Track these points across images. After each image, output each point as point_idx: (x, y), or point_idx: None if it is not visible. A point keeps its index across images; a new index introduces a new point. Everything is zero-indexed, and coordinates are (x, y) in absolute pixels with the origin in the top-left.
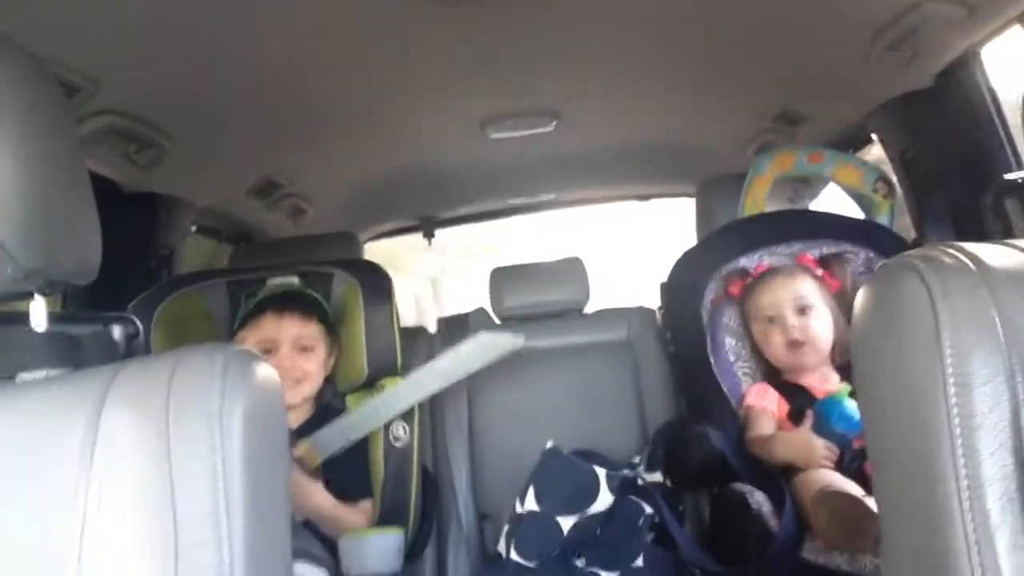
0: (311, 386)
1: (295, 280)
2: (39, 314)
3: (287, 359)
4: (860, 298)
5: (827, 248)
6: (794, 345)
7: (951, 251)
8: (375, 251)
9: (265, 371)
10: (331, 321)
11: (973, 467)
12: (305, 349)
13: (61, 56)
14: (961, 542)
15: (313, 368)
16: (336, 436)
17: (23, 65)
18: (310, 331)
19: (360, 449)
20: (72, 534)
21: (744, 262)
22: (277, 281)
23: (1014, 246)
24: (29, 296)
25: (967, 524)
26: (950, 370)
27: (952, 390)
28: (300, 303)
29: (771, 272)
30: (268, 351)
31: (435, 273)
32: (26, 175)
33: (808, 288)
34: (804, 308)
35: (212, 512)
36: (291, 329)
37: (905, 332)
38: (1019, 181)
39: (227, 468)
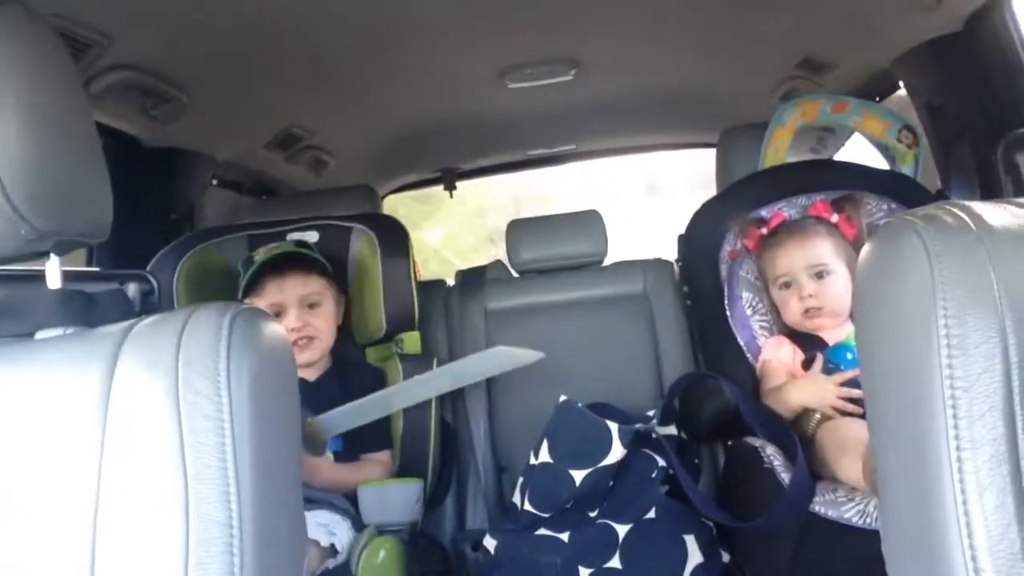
0: (325, 341)
1: (314, 235)
2: (54, 273)
3: (296, 320)
4: (863, 255)
5: (812, 196)
6: (811, 312)
7: (954, 210)
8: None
9: (273, 329)
10: (331, 272)
11: (964, 428)
12: (312, 305)
13: (72, 12)
14: (950, 501)
15: (324, 324)
16: (342, 419)
17: (26, 24)
18: (313, 287)
19: None
20: (87, 486)
21: (764, 213)
22: (295, 236)
23: (1021, 205)
24: (44, 256)
25: (955, 484)
26: (944, 331)
27: (945, 351)
28: (298, 262)
29: (785, 232)
30: (277, 314)
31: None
32: (34, 136)
33: (824, 250)
34: (820, 273)
35: (220, 468)
36: (295, 289)
37: (902, 291)
38: None
39: (235, 426)
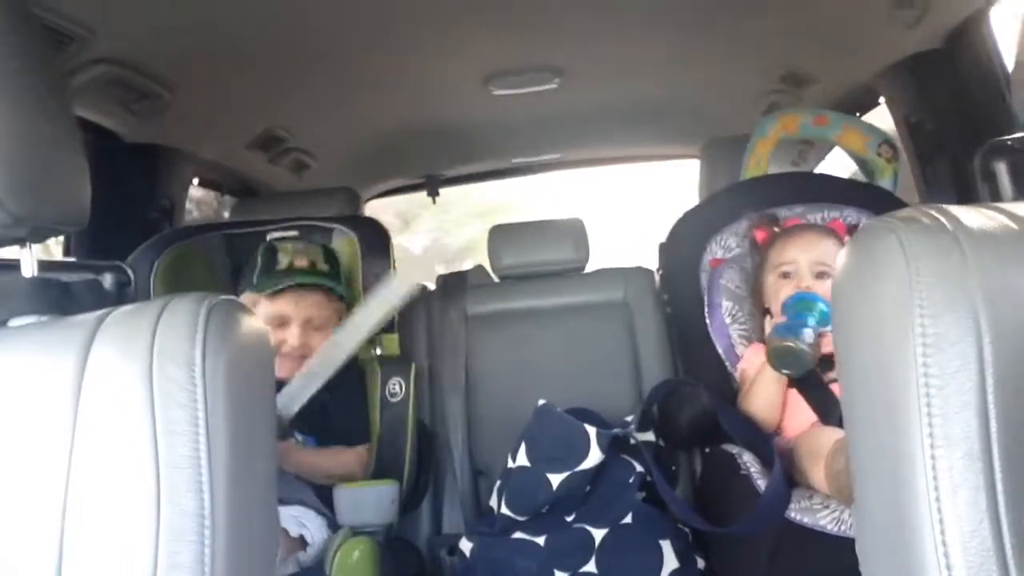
0: None
1: (295, 234)
2: (29, 261)
3: (296, 337)
4: (841, 257)
5: (830, 212)
6: None
7: (931, 212)
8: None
9: (250, 321)
10: (346, 300)
11: (938, 426)
12: (317, 328)
13: (56, 4)
14: (923, 497)
15: (319, 344)
16: (299, 388)
17: (7, 12)
18: (325, 311)
19: (360, 397)
20: (57, 473)
21: (777, 210)
22: (277, 235)
23: (997, 209)
24: (19, 243)
25: (929, 481)
26: (919, 330)
27: (920, 349)
28: (320, 288)
29: (801, 228)
30: (280, 324)
31: None
32: (12, 122)
33: (832, 254)
34: (822, 273)
35: (193, 458)
36: (309, 309)
37: (880, 291)
38: (1008, 143)
39: (209, 415)
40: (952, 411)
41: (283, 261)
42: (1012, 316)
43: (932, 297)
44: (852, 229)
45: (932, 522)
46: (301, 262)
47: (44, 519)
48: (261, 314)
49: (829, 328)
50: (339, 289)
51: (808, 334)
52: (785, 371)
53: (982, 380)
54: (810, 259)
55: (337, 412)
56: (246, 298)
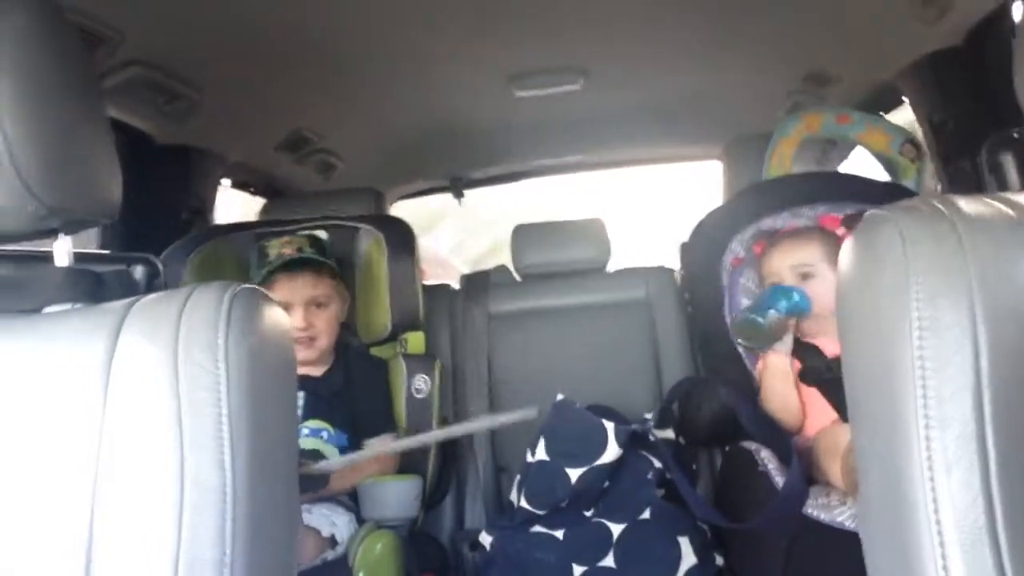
0: (327, 340)
1: (322, 235)
2: (63, 252)
3: (301, 319)
4: (844, 248)
5: (851, 209)
6: None
7: (931, 201)
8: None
9: (273, 309)
10: (340, 273)
11: (933, 407)
12: (319, 306)
13: (86, 5)
14: (918, 478)
15: (326, 325)
16: (339, 462)
17: (38, 8)
18: (323, 288)
19: (384, 388)
20: (89, 452)
21: (768, 223)
22: (304, 234)
23: (997, 197)
24: (53, 234)
25: (923, 461)
26: (916, 314)
27: (917, 333)
28: (309, 265)
29: (781, 236)
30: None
31: None
32: (45, 115)
33: (812, 254)
34: (806, 275)
35: (216, 438)
36: (305, 290)
37: (880, 278)
38: (1015, 135)
39: (232, 399)
40: (947, 393)
41: (272, 254)
42: (1007, 301)
43: (928, 282)
44: (850, 220)
45: (926, 502)
46: (288, 250)
47: (75, 495)
48: None
49: (807, 314)
50: (329, 263)
51: (771, 314)
52: (745, 344)
53: (976, 363)
54: (790, 264)
55: (364, 404)
56: None
